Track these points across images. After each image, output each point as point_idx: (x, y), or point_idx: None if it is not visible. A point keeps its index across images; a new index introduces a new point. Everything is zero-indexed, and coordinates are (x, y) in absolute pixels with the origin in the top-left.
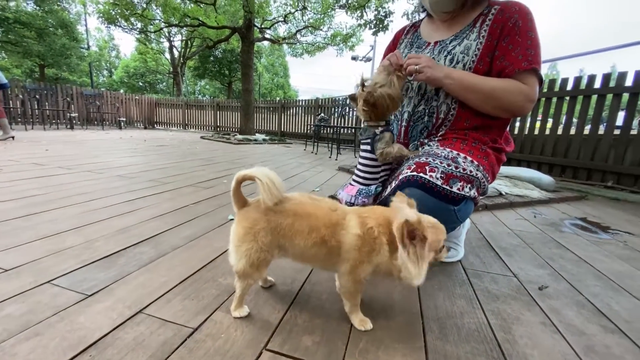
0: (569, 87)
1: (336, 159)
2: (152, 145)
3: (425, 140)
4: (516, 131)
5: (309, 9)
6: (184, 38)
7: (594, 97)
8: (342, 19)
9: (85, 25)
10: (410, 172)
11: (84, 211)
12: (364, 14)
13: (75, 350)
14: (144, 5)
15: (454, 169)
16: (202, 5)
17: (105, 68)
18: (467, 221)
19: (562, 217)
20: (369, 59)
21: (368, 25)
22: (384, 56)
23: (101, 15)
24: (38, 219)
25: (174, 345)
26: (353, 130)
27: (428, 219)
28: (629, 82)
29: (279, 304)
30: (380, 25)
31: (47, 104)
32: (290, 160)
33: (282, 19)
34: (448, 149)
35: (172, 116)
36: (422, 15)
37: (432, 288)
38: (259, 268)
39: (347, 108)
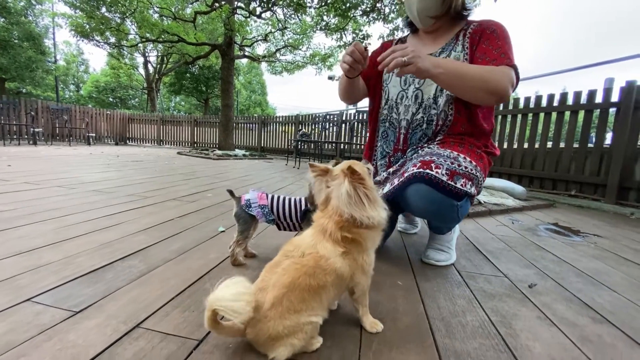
0: (531, 105)
1: None
2: (126, 160)
3: (425, 145)
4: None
5: (288, 29)
6: (160, 54)
7: (554, 114)
8: (321, 40)
9: (54, 39)
10: (417, 169)
11: (60, 227)
12: (343, 35)
13: None
14: (118, 21)
15: (457, 167)
16: (180, 22)
17: (72, 83)
18: (457, 227)
19: (537, 223)
20: None
21: (347, 47)
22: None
23: (74, 28)
24: (6, 235)
25: (180, 358)
26: (334, 146)
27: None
28: (584, 100)
29: None
30: None
31: (8, 118)
32: (274, 175)
33: (262, 38)
34: (449, 150)
35: (146, 132)
36: (407, 32)
37: (432, 290)
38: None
39: (328, 124)
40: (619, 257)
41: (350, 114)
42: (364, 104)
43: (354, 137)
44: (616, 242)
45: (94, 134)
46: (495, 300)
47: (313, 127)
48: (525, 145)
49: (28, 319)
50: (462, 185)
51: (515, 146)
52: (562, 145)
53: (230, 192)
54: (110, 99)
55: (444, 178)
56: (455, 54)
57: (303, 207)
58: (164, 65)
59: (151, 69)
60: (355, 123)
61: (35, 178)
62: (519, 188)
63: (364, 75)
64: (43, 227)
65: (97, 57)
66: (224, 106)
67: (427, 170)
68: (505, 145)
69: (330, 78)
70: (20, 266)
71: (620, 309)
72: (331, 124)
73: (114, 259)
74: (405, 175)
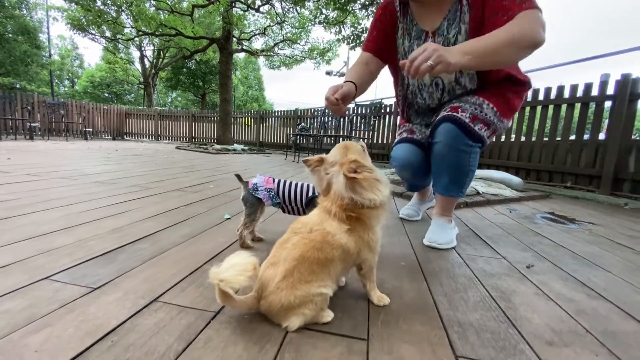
0: (529, 98)
1: None
2: (125, 154)
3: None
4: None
5: (287, 22)
6: (156, 48)
7: (551, 108)
8: (319, 34)
9: (48, 33)
10: (446, 112)
11: (68, 214)
12: (342, 29)
13: (94, 337)
14: (114, 14)
15: (479, 112)
16: (177, 15)
17: (67, 78)
18: (454, 227)
19: (533, 212)
20: (342, 74)
21: (346, 41)
22: (373, 26)
23: (70, 22)
24: (16, 222)
25: (199, 327)
26: (334, 140)
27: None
28: (580, 93)
29: None
30: (357, 41)
31: (4, 112)
32: (273, 168)
33: (261, 32)
34: (476, 96)
35: (143, 127)
36: None
37: (434, 270)
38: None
39: (328, 118)
40: (613, 242)
41: (350, 108)
42: (363, 98)
43: (353, 131)
44: (611, 229)
45: (90, 129)
46: (495, 279)
47: (312, 121)
48: (523, 138)
49: (48, 295)
50: (479, 128)
51: (512, 139)
52: (558, 138)
53: (238, 177)
54: (106, 95)
55: (467, 120)
56: (464, 26)
57: (310, 194)
58: (161, 60)
59: (147, 64)
60: (355, 117)
61: (36, 170)
62: (516, 179)
63: (377, 51)
64: (51, 214)
65: (92, 52)
66: (222, 101)
67: (454, 113)
68: (502, 138)
69: (328, 73)
70: (33, 249)
71: (614, 287)
72: (330, 118)
73: (124, 242)
74: (438, 118)
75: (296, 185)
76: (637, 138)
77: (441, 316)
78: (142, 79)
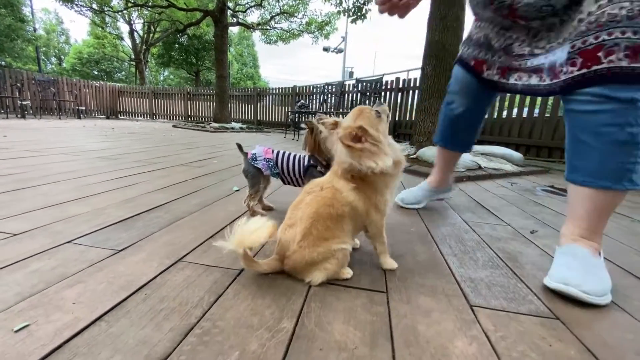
0: None
1: None
2: (122, 132)
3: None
4: (486, 115)
5: None
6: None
7: None
8: (318, 6)
9: (31, 5)
10: (579, 70)
11: (77, 186)
12: (342, 0)
13: (128, 290)
14: None
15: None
16: None
17: (54, 55)
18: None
19: (534, 185)
20: (340, 50)
21: (346, 13)
22: None
23: None
24: (28, 193)
25: (226, 282)
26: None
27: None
28: None
29: None
30: (359, 14)
31: None
32: (274, 146)
33: (257, 4)
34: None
35: (137, 105)
36: None
37: (442, 235)
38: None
39: (327, 95)
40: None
41: (350, 85)
42: (363, 74)
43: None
44: None
45: (83, 108)
46: (502, 242)
47: (311, 99)
48: (524, 115)
49: (74, 256)
50: None
51: (514, 115)
52: (560, 114)
53: (239, 146)
54: (95, 72)
55: (624, 63)
56: None
57: (306, 164)
58: (152, 35)
59: (138, 39)
60: (357, 94)
61: (36, 147)
62: (517, 155)
63: None
64: (62, 186)
65: (78, 26)
66: (218, 77)
67: (594, 67)
68: (504, 115)
69: (326, 49)
70: (51, 217)
71: (614, 249)
72: (331, 95)
73: (139, 211)
74: (560, 82)
75: (294, 156)
76: None
77: (453, 273)
78: (133, 56)
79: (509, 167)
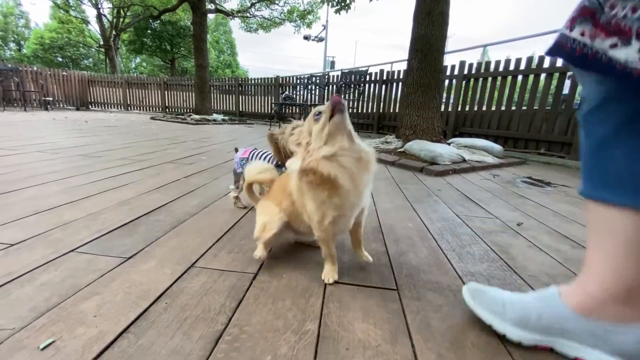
0: (511, 67)
1: None
2: (97, 126)
3: None
4: (467, 108)
5: None
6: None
7: (531, 77)
8: None
9: None
10: None
11: (65, 188)
12: None
13: (147, 300)
14: None
15: None
16: None
17: (13, 40)
18: None
19: (514, 177)
20: (321, 39)
21: (330, 3)
22: None
23: None
24: (14, 197)
25: (244, 286)
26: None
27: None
28: (560, 63)
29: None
30: (343, 4)
31: None
32: (261, 139)
33: None
34: None
35: (110, 96)
36: None
37: (439, 230)
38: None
39: (314, 86)
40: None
41: (336, 76)
42: (345, 66)
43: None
44: None
45: (50, 98)
46: (493, 235)
47: (296, 90)
48: (503, 108)
49: (82, 266)
50: None
51: (493, 108)
52: (535, 107)
53: (236, 150)
54: (59, 59)
55: None
56: None
57: (273, 163)
58: (122, 20)
59: (107, 24)
60: (343, 85)
61: (9, 144)
62: (497, 147)
63: None
64: (49, 188)
65: (39, 9)
66: (197, 67)
67: None
68: (484, 108)
69: (306, 38)
70: (46, 224)
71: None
72: (315, 87)
73: (138, 214)
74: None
75: (264, 155)
76: None
77: (455, 268)
78: (101, 42)
79: (490, 160)
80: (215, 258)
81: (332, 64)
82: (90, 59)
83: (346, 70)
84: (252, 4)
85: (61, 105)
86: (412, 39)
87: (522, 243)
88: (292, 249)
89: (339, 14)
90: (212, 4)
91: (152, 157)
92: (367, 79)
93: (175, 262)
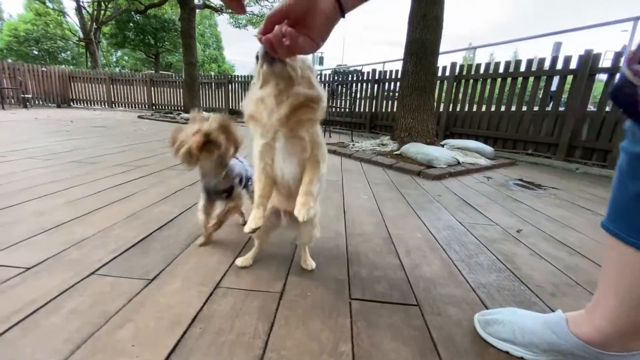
0: (501, 69)
1: None
2: (84, 126)
3: None
4: (458, 109)
5: None
6: None
7: (519, 79)
8: None
9: None
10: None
11: (68, 201)
12: None
13: (181, 326)
14: None
15: None
16: None
17: None
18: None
19: (506, 179)
20: None
21: None
22: None
23: None
24: (18, 212)
25: (272, 307)
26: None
27: None
28: (546, 67)
29: (339, 262)
30: None
31: None
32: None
33: None
34: None
35: (93, 92)
36: None
37: (446, 240)
38: None
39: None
40: (575, 205)
41: (329, 75)
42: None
43: (335, 100)
44: (570, 193)
45: (29, 95)
46: (496, 244)
47: None
48: (493, 108)
49: (106, 290)
50: None
51: (483, 109)
52: (523, 109)
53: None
54: (35, 52)
55: None
56: None
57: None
58: (102, 12)
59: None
60: (338, 86)
61: None
62: (488, 148)
63: None
64: (51, 201)
65: (12, 0)
66: (187, 64)
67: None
68: (474, 108)
69: None
70: (57, 243)
71: (586, 244)
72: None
73: (150, 230)
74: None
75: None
76: (592, 109)
77: (467, 280)
78: (81, 35)
79: (483, 162)
80: (239, 277)
81: (321, 59)
82: (69, 52)
83: (340, 69)
84: None
85: (41, 103)
86: (407, 42)
87: (524, 251)
88: (320, 261)
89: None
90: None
91: (150, 163)
92: (361, 78)
93: (200, 282)
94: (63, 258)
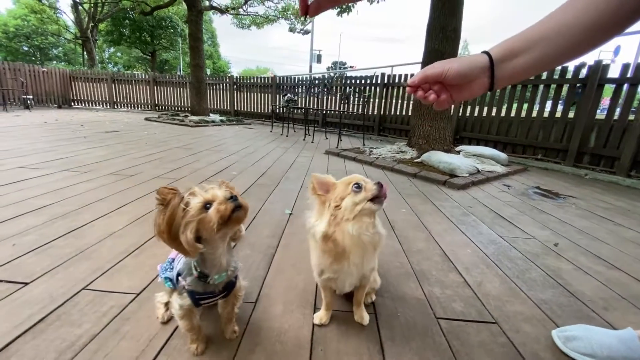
0: None
1: (312, 142)
2: (97, 131)
3: None
4: (467, 113)
5: None
6: None
7: (529, 87)
8: None
9: None
10: None
11: (130, 219)
12: None
13: (304, 349)
14: None
15: None
16: None
17: None
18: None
19: (525, 187)
20: (307, 32)
21: None
22: None
23: None
24: (93, 234)
25: (373, 326)
26: (322, 113)
27: None
28: (556, 75)
29: (411, 280)
30: (344, 6)
31: None
32: (270, 145)
33: None
34: None
35: (94, 93)
36: None
37: (494, 255)
38: None
39: (317, 88)
40: (596, 215)
41: (340, 79)
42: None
43: (346, 105)
44: (587, 201)
45: (31, 96)
46: (540, 259)
47: (296, 91)
48: (503, 114)
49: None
50: None
51: (493, 115)
52: (533, 115)
53: None
54: (25, 48)
55: None
56: None
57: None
58: (100, 10)
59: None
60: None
61: (25, 161)
62: (503, 155)
63: None
64: (118, 219)
65: None
66: (194, 66)
67: None
68: (484, 113)
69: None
70: (148, 265)
71: (620, 258)
72: (319, 89)
73: None
74: None
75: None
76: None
77: (529, 297)
78: (79, 33)
79: (499, 169)
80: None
81: (319, 57)
82: (60, 49)
83: (352, 74)
84: (246, 1)
85: (42, 104)
86: (425, 52)
87: (568, 266)
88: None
89: (341, 16)
90: (206, 1)
91: (183, 175)
92: (369, 82)
93: (298, 304)
94: (160, 283)
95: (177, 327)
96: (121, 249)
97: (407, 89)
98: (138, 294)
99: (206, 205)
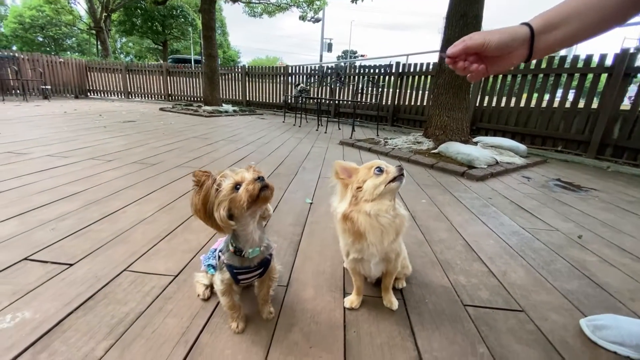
0: (532, 66)
1: (325, 132)
2: (115, 121)
3: None
4: (485, 103)
5: None
6: None
7: (552, 76)
8: None
9: None
10: None
11: (162, 205)
12: None
13: (340, 330)
14: None
15: None
16: None
17: None
18: None
19: (545, 179)
20: (318, 20)
21: None
22: None
23: None
24: (126, 219)
25: (404, 313)
26: (333, 102)
27: None
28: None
29: (436, 268)
30: None
31: None
32: (284, 135)
33: None
34: None
35: (109, 83)
36: None
37: (518, 245)
38: None
39: (330, 77)
40: (619, 208)
41: (354, 68)
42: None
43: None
44: (611, 194)
45: (49, 87)
46: (565, 250)
47: (309, 81)
48: (522, 104)
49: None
50: None
51: (512, 105)
52: (555, 105)
53: None
54: (40, 38)
55: None
56: None
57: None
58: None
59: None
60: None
61: (52, 149)
62: (522, 147)
63: None
64: (147, 206)
65: None
66: (207, 56)
67: None
68: (502, 103)
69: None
70: (180, 250)
71: None
72: (332, 78)
73: None
74: None
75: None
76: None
77: (555, 287)
78: (93, 24)
79: (518, 160)
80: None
81: (330, 46)
82: (74, 39)
83: (366, 64)
84: None
85: (60, 94)
86: (444, 40)
87: (593, 258)
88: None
89: (355, 2)
90: None
91: (204, 164)
92: (384, 71)
93: (328, 288)
94: (194, 266)
95: (217, 306)
96: (154, 234)
97: (446, 60)
98: (176, 276)
99: (236, 186)
